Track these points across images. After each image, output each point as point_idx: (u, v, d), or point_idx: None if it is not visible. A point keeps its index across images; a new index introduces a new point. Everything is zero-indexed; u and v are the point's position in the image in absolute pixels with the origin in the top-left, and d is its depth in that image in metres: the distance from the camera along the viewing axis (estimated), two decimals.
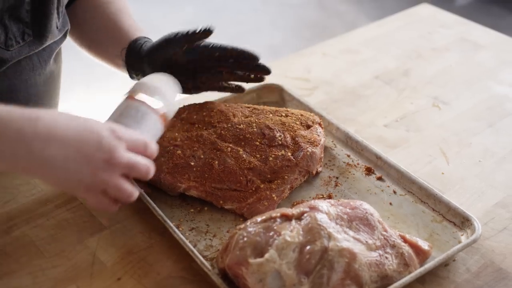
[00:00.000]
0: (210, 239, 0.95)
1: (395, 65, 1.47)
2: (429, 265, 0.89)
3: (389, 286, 0.84)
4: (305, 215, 0.87)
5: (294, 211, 0.88)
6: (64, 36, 1.12)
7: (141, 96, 0.92)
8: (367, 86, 1.38)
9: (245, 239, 0.84)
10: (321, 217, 0.86)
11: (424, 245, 0.92)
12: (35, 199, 1.02)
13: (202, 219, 0.99)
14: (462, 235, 0.97)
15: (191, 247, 0.89)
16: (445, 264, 0.93)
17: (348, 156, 1.13)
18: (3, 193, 1.03)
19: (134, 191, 0.85)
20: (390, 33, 1.62)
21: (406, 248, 0.89)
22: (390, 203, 1.04)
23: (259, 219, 0.87)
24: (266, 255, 0.81)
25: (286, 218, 0.87)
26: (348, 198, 1.04)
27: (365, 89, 1.37)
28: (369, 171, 1.10)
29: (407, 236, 0.92)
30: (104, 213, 0.99)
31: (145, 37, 1.12)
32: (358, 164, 1.11)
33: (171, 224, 0.93)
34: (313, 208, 0.88)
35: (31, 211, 1.00)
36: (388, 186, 1.07)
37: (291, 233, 0.84)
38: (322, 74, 1.42)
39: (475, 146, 1.19)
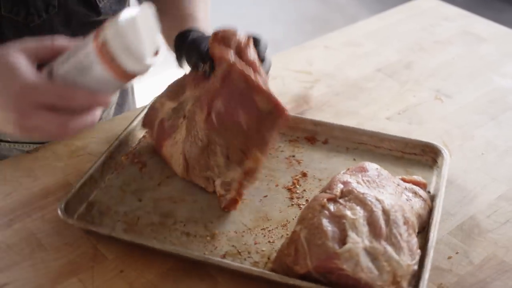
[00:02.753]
0: (249, 257, 0.91)
1: (397, 58, 1.46)
2: (439, 192, 0.99)
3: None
4: (344, 191, 0.89)
5: (334, 191, 0.89)
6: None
7: (104, 45, 0.77)
8: (369, 79, 1.38)
9: (318, 234, 0.83)
10: (358, 187, 0.90)
11: (420, 178, 1.01)
12: (36, 191, 1.02)
13: (224, 243, 0.93)
14: (427, 160, 1.09)
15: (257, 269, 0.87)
16: (448, 257, 0.93)
17: (284, 133, 1.14)
18: (4, 185, 1.02)
19: (64, 120, 0.80)
20: (392, 26, 1.61)
21: (415, 187, 0.97)
22: (354, 159, 1.10)
23: (309, 212, 0.87)
24: (349, 239, 0.82)
25: (334, 200, 0.88)
26: (320, 170, 1.08)
27: (367, 82, 1.36)
28: (313, 140, 1.14)
29: (405, 177, 1.00)
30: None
31: (192, 30, 1.07)
32: (298, 138, 1.14)
33: (223, 260, 0.89)
34: (345, 183, 0.90)
35: (32, 203, 0.99)
36: (338, 146, 1.13)
37: (351, 210, 0.86)
38: (324, 67, 1.41)
39: (478, 139, 1.19)
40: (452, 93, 1.33)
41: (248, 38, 0.96)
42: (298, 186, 1.04)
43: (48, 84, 0.80)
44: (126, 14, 0.78)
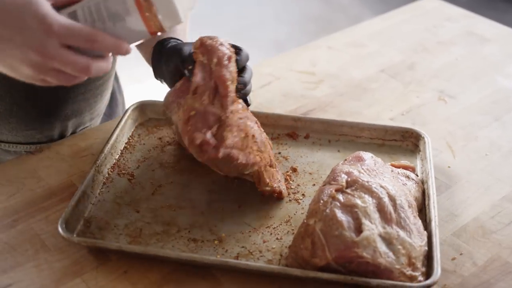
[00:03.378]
0: (262, 256, 0.91)
1: (401, 58, 1.46)
2: (429, 173, 1.02)
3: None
4: (349, 181, 0.91)
5: (340, 182, 0.90)
6: None
7: None
8: (373, 79, 1.38)
9: (334, 226, 0.84)
10: (361, 176, 0.91)
11: (407, 163, 1.05)
12: (40, 192, 1.02)
13: (234, 245, 0.93)
14: (407, 145, 1.13)
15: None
16: (452, 258, 0.92)
17: (266, 132, 1.12)
18: (8, 186, 1.03)
19: (88, 62, 0.81)
20: (396, 27, 1.61)
21: (406, 171, 1.01)
22: (338, 151, 1.13)
23: (319, 204, 0.87)
24: (364, 227, 0.84)
25: (342, 191, 0.89)
26: (308, 163, 1.10)
27: (370, 83, 1.36)
28: (294, 136, 1.15)
29: (395, 163, 1.04)
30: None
31: (173, 38, 1.08)
32: (279, 135, 1.16)
33: (241, 261, 0.89)
34: (348, 173, 0.92)
35: (36, 204, 0.99)
36: (320, 139, 1.15)
37: (361, 199, 0.87)
38: (327, 67, 1.41)
39: (482, 140, 1.19)
40: (456, 93, 1.33)
41: (233, 50, 0.96)
42: (291, 182, 1.05)
43: (76, 25, 0.80)
44: None
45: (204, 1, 3.93)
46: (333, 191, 0.89)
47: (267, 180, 0.99)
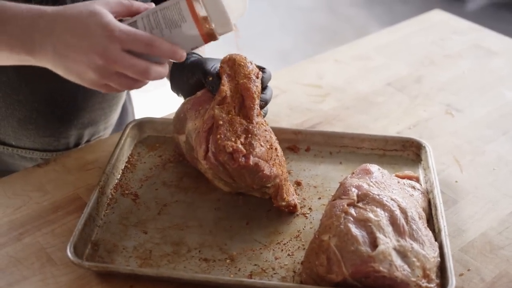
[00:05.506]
0: (275, 273, 0.91)
1: (408, 72, 1.46)
2: (434, 183, 1.02)
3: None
4: (360, 195, 0.91)
5: (351, 196, 0.90)
6: None
7: (194, 1, 0.88)
8: (380, 93, 1.37)
9: (349, 241, 0.84)
10: (373, 190, 0.92)
11: (411, 173, 1.05)
12: (46, 205, 1.02)
13: (246, 263, 0.92)
14: (408, 155, 1.13)
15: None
16: (459, 274, 0.92)
17: None
18: (14, 199, 1.02)
19: (147, 65, 0.87)
20: (403, 40, 1.61)
21: (412, 182, 1.01)
22: (340, 163, 1.13)
23: (335, 222, 0.87)
24: (379, 241, 0.84)
25: (353, 205, 0.89)
26: (311, 177, 1.10)
27: (377, 96, 1.36)
28: (295, 149, 1.15)
29: (399, 173, 1.04)
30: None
31: (194, 53, 1.10)
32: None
33: (257, 281, 0.88)
34: (358, 187, 0.92)
35: (42, 217, 0.99)
36: (321, 151, 1.15)
37: (373, 213, 0.87)
38: (334, 80, 1.41)
39: (489, 154, 1.18)
40: (463, 107, 1.33)
41: (259, 69, 1.02)
42: (297, 196, 1.05)
43: (136, 31, 0.86)
44: None
45: None
46: (345, 205, 0.89)
47: (284, 195, 0.99)
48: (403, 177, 1.03)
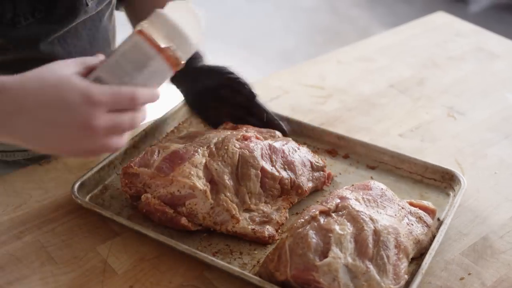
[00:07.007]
0: (239, 257, 0.93)
1: (410, 73, 1.46)
2: (445, 220, 0.96)
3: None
4: (339, 206, 0.90)
5: (329, 205, 0.90)
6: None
7: (152, 35, 0.82)
8: (382, 94, 1.37)
9: (301, 244, 0.84)
10: (355, 204, 0.90)
11: (429, 204, 0.99)
12: (46, 204, 1.02)
13: (219, 240, 0.95)
14: (445, 187, 1.07)
15: (240, 270, 0.87)
16: (460, 278, 0.92)
17: (306, 144, 1.15)
18: (15, 197, 1.02)
19: (133, 116, 0.81)
20: (405, 42, 1.61)
21: (421, 212, 0.96)
22: (371, 177, 1.09)
23: (300, 221, 0.87)
24: (331, 253, 0.83)
25: (326, 213, 0.88)
26: (334, 184, 1.08)
27: (379, 98, 1.36)
28: (334, 153, 1.15)
29: (414, 201, 0.99)
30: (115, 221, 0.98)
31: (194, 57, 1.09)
32: (319, 149, 1.15)
33: (209, 256, 0.89)
34: (342, 198, 0.91)
35: (42, 216, 0.99)
36: (358, 162, 1.13)
37: (340, 226, 0.86)
38: (336, 82, 1.41)
39: (491, 158, 1.18)
40: (465, 110, 1.33)
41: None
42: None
43: (115, 90, 0.79)
44: (165, 8, 0.85)
45: (213, 12, 3.94)
46: (317, 212, 0.88)
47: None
48: (416, 206, 0.98)
